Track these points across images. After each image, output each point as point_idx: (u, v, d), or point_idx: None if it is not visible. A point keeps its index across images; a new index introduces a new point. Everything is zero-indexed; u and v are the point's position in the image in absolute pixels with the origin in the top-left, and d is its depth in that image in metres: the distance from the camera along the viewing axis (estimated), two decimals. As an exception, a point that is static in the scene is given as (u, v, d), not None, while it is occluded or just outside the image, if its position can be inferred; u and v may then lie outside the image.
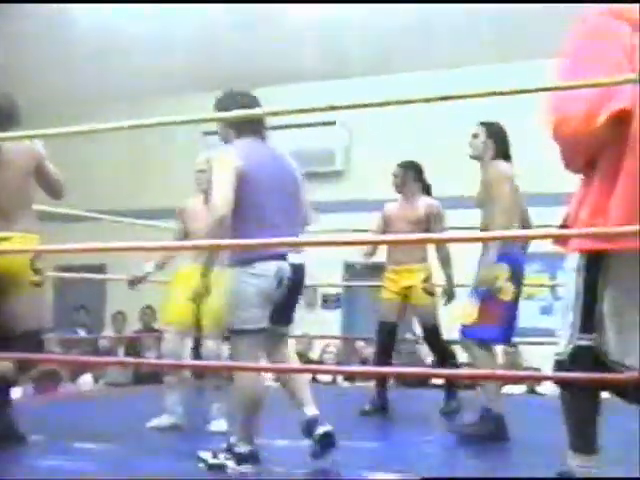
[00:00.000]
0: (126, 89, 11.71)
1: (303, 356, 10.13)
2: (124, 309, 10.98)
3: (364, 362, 9.82)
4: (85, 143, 10.23)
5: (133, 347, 10.02)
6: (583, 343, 2.81)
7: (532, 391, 8.56)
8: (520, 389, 8.62)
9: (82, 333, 10.94)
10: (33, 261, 4.34)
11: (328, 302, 11.59)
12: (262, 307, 3.93)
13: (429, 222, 6.26)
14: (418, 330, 6.56)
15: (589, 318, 2.82)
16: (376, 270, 10.57)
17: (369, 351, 9.97)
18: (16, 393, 8.54)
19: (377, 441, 5.13)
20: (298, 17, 9.64)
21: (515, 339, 9.87)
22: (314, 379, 9.23)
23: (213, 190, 3.94)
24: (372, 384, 7.55)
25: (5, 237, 4.28)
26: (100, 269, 11.50)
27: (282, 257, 3.93)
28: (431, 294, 6.29)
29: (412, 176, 6.51)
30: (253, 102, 4.15)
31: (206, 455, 3.96)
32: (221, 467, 3.89)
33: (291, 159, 4.28)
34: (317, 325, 10.96)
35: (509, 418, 4.94)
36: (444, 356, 6.34)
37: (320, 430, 3.99)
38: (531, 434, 4.92)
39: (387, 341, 6.44)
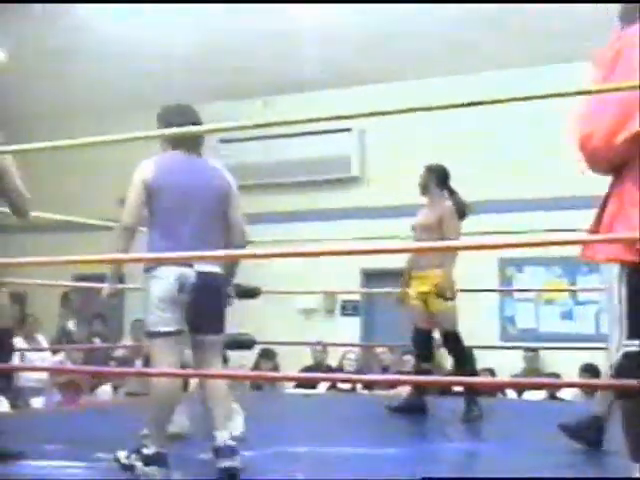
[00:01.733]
0: (140, 97, 11.75)
1: (319, 364, 10.12)
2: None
3: (385, 369, 9.78)
4: (99, 150, 10.28)
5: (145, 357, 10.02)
6: (631, 349, 2.80)
7: (553, 397, 8.49)
8: (540, 395, 8.55)
9: (98, 342, 10.95)
10: None
11: (347, 309, 11.55)
12: (166, 310, 4.02)
13: (441, 228, 6.20)
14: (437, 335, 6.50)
15: (635, 324, 2.80)
16: (394, 276, 10.61)
17: (389, 358, 9.95)
18: (37, 403, 8.63)
19: (399, 447, 5.09)
20: (303, 23, 9.60)
21: (535, 344, 9.91)
22: (333, 387, 9.21)
23: (125, 200, 4.15)
24: (390, 392, 7.55)
25: None
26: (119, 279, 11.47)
27: (186, 264, 4.04)
28: (447, 299, 6.20)
29: (434, 180, 6.48)
30: (195, 116, 4.29)
31: (121, 455, 4.08)
32: (131, 468, 3.98)
33: (224, 174, 4.34)
34: (336, 332, 10.94)
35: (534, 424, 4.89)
36: (464, 363, 6.29)
37: (226, 464, 3.92)
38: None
39: (420, 347, 6.47)
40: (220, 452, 3.93)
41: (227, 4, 9.37)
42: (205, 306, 4.11)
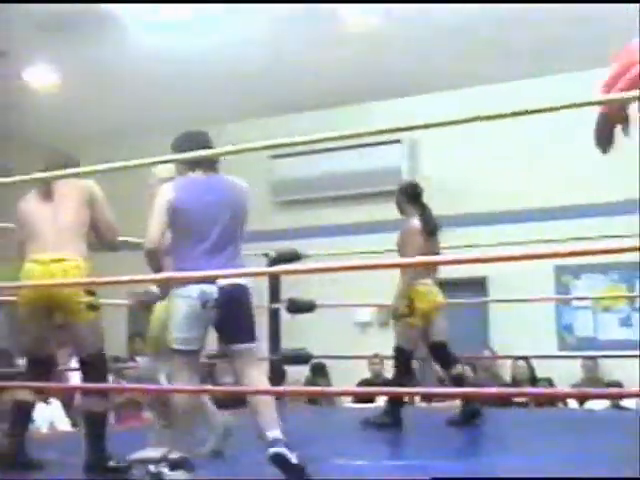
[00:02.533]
0: (188, 116, 11.83)
1: (378, 377, 10.06)
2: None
3: (441, 381, 9.69)
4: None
5: (209, 372, 10.02)
6: None
7: (616, 406, 8.34)
8: (603, 404, 8.41)
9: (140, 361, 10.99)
10: (87, 285, 4.43)
11: (401, 321, 11.49)
12: (190, 329, 4.21)
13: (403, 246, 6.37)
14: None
15: None
16: (448, 287, 10.53)
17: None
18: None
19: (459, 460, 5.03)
20: (350, 31, 9.60)
21: (594, 352, 9.76)
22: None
23: (148, 223, 4.28)
24: (451, 404, 7.47)
25: (59, 258, 4.39)
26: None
27: (209, 281, 4.19)
28: (396, 316, 6.35)
29: (405, 199, 6.68)
30: (208, 140, 4.49)
31: (151, 467, 4.22)
32: (158, 474, 4.12)
33: (242, 189, 4.54)
34: (391, 345, 10.87)
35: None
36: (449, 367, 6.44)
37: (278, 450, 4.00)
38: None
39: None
40: (273, 444, 4.02)
41: (273, 15, 9.40)
42: (232, 318, 4.26)
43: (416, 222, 6.41)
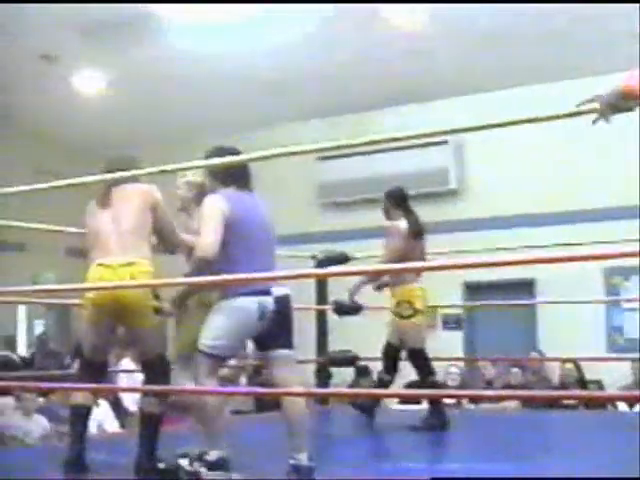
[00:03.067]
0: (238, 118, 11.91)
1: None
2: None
3: (489, 383, 9.65)
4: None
5: (257, 372, 10.04)
6: None
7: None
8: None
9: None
10: (154, 290, 4.43)
11: (449, 323, 11.45)
12: (236, 339, 4.29)
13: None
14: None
15: None
16: (496, 289, 10.47)
17: (492, 372, 9.80)
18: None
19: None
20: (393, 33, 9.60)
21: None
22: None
23: (201, 232, 4.26)
24: (498, 406, 7.42)
25: (130, 262, 4.37)
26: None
27: (265, 292, 4.24)
28: (402, 317, 6.39)
29: (391, 204, 6.76)
30: (239, 155, 4.40)
31: (184, 462, 4.29)
32: (195, 474, 4.16)
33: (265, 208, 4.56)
34: (438, 347, 10.83)
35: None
36: (426, 377, 6.45)
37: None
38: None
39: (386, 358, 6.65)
40: (299, 472, 4.11)
41: (323, 14, 9.43)
42: (281, 326, 4.33)
43: (403, 224, 6.47)
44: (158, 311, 4.37)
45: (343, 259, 7.32)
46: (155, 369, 4.46)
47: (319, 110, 11.89)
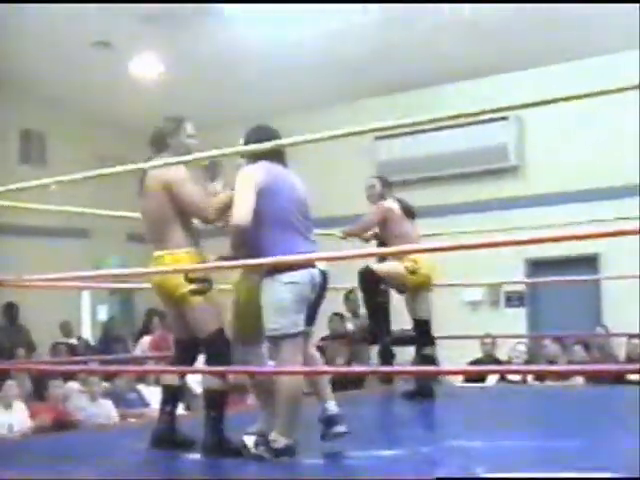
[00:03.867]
0: (296, 99, 11.95)
1: (490, 356, 9.99)
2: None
3: (552, 362, 9.57)
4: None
5: (321, 353, 10.08)
6: None
7: None
8: None
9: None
10: (186, 274, 4.49)
11: (512, 300, 11.39)
12: (299, 312, 4.30)
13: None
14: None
15: None
16: (559, 265, 10.36)
17: (554, 350, 9.71)
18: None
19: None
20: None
21: None
22: (503, 379, 9.08)
23: (235, 202, 4.28)
24: (566, 383, 7.36)
25: (156, 257, 4.55)
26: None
27: (313, 265, 4.33)
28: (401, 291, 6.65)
29: (381, 185, 6.89)
30: (277, 134, 4.49)
31: (250, 442, 4.31)
32: (260, 458, 4.21)
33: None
34: (502, 324, 10.79)
35: None
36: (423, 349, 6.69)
37: (337, 429, 4.47)
38: None
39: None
40: (332, 420, 4.46)
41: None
42: (317, 302, 4.49)
43: (395, 204, 6.68)
44: (194, 292, 4.45)
45: None
46: (212, 347, 4.50)
47: (374, 89, 11.85)
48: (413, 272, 6.41)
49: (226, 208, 4.55)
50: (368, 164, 11.73)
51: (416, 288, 6.54)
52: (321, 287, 4.45)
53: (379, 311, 6.75)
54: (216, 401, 4.51)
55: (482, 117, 10.37)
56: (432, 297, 6.78)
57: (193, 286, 4.46)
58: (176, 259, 4.49)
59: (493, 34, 10.27)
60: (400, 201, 6.75)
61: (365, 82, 11.67)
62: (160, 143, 4.69)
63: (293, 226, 4.36)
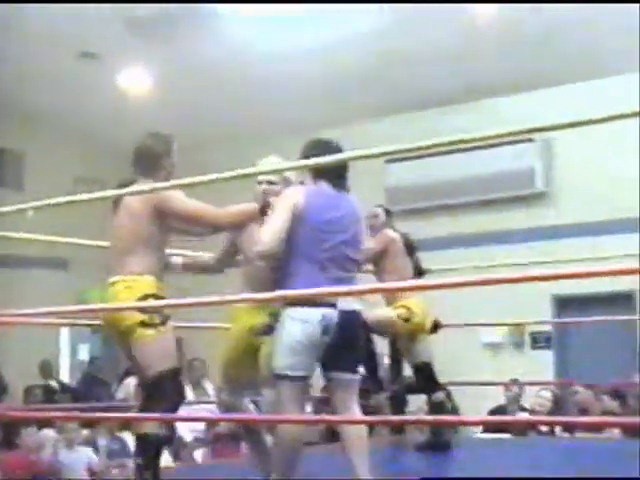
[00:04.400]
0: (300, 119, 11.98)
1: (515, 403, 9.93)
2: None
3: (583, 411, 9.52)
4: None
5: (325, 400, 10.00)
6: None
7: None
8: None
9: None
10: (141, 300, 4.38)
11: (538, 342, 11.35)
12: (304, 354, 4.27)
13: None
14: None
15: None
16: (590, 303, 10.34)
17: (586, 397, 9.66)
18: (197, 455, 8.82)
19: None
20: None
21: None
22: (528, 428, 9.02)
23: (266, 224, 4.35)
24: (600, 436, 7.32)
25: (113, 281, 4.44)
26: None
27: (331, 304, 4.29)
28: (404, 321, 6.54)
29: (384, 215, 7.00)
30: (338, 150, 4.46)
31: None
32: None
33: (360, 213, 4.65)
34: (526, 368, 10.74)
35: None
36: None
37: None
38: None
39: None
40: None
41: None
42: (346, 346, 4.39)
43: (397, 235, 6.76)
44: (146, 325, 4.32)
45: (417, 272, 7.31)
46: (156, 389, 4.34)
47: (385, 109, 11.90)
48: (406, 320, 6.43)
49: (244, 219, 4.64)
50: (375, 189, 11.72)
51: (410, 335, 6.57)
52: (343, 329, 4.36)
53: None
54: (147, 449, 4.37)
55: (505, 138, 10.39)
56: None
57: (144, 317, 4.32)
58: (129, 285, 4.39)
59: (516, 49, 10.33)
60: (403, 234, 6.81)
61: (372, 101, 11.72)
62: (152, 163, 4.65)
63: (314, 257, 4.36)
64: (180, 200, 4.53)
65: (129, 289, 4.38)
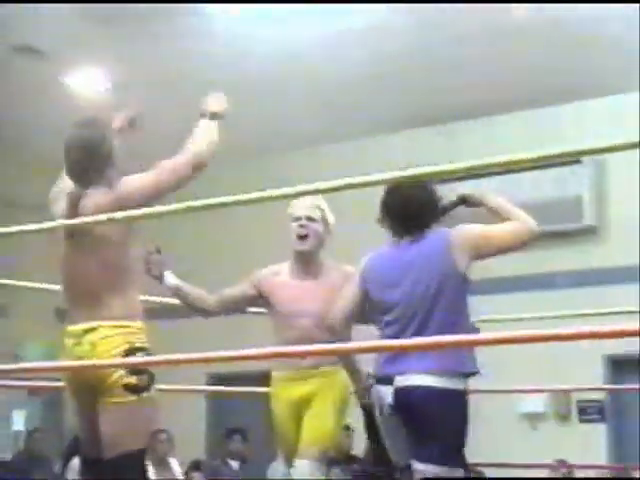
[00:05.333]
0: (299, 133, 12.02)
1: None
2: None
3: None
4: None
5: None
6: None
7: None
8: None
9: (235, 466, 11.02)
10: (126, 355, 4.23)
11: (587, 413, 11.26)
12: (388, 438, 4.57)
13: None
14: None
15: None
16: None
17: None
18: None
19: None
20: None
21: None
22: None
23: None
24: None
25: (88, 328, 4.27)
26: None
27: (386, 379, 4.51)
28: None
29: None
30: (417, 198, 4.78)
31: None
32: None
33: (445, 256, 4.76)
34: (574, 445, 10.65)
35: None
36: None
37: None
38: None
39: None
40: None
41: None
42: (415, 428, 4.51)
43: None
44: (130, 388, 4.19)
45: None
46: (109, 474, 4.23)
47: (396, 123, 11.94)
48: None
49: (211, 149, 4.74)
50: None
51: None
52: (401, 409, 4.49)
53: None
54: None
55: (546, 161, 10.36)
56: (476, 408, 6.66)
57: (131, 378, 4.20)
58: (107, 335, 4.24)
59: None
60: None
61: (378, 116, 11.77)
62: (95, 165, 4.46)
63: (385, 331, 4.67)
64: (134, 180, 4.44)
65: (108, 340, 4.23)
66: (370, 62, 10.61)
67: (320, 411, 5.37)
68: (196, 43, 10.34)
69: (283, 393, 5.51)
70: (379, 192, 4.82)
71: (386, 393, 4.46)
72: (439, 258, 4.70)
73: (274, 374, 5.62)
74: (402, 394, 4.43)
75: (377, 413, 4.49)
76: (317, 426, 5.33)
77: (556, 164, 10.65)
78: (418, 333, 4.50)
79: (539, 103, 11.29)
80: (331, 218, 5.63)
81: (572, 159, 10.63)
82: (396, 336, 4.52)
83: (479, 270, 11.67)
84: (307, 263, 5.56)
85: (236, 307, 5.72)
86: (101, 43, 10.42)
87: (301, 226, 5.50)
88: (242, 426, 11.48)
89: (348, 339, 4.74)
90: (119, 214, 4.00)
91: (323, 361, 5.38)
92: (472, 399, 6.76)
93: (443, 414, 4.50)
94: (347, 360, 4.90)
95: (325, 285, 5.45)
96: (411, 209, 4.75)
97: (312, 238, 5.49)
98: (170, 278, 5.46)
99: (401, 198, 4.73)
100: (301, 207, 5.55)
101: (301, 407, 5.45)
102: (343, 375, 5.26)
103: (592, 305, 8.42)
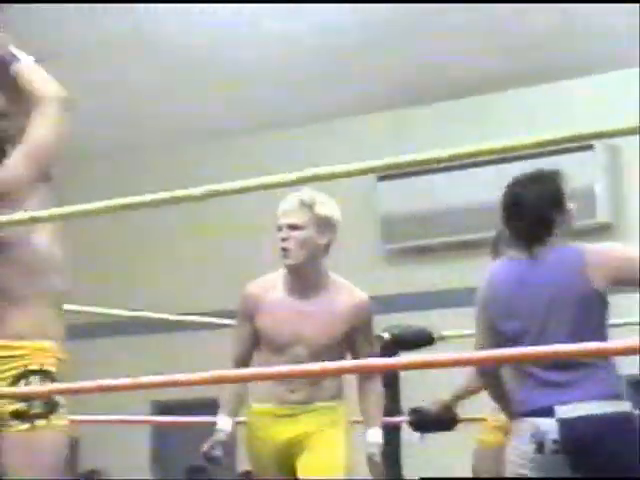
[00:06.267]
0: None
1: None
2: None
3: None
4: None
5: None
6: None
7: None
8: None
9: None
10: (17, 379, 4.14)
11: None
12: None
13: None
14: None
15: None
16: None
17: None
18: None
19: None
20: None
21: None
22: None
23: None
24: None
25: None
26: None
27: (544, 411, 4.41)
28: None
29: None
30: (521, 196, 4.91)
31: None
32: None
33: (582, 278, 4.65)
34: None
35: None
36: None
37: None
38: None
39: None
40: None
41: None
42: (598, 470, 4.40)
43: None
44: (19, 415, 4.07)
45: (424, 340, 7.37)
46: None
47: (393, 99, 12.13)
48: None
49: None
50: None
51: None
52: (569, 445, 4.42)
53: None
54: None
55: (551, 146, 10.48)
56: (465, 437, 6.87)
57: (19, 405, 4.08)
58: (35, 348, 4.12)
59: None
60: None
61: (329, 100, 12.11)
62: None
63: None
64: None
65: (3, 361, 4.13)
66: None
67: (327, 441, 5.31)
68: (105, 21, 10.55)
69: (266, 431, 5.40)
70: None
71: (547, 426, 4.39)
72: (575, 281, 4.67)
73: (254, 406, 5.51)
74: (571, 426, 4.37)
75: (531, 452, 4.40)
76: (326, 458, 5.26)
77: (561, 151, 10.71)
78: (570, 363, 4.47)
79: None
80: (329, 211, 5.46)
81: (583, 144, 10.57)
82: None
83: (480, 275, 11.86)
84: (302, 277, 5.47)
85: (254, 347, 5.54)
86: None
87: (282, 239, 5.40)
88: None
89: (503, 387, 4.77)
90: (42, 212, 3.93)
91: (319, 394, 5.33)
92: (464, 427, 7.01)
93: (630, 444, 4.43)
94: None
95: (327, 306, 5.41)
96: (531, 216, 4.82)
97: (296, 250, 5.34)
98: (227, 425, 5.42)
99: (516, 199, 4.86)
100: (282, 213, 5.45)
101: (291, 452, 5.37)
102: (345, 411, 5.35)
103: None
